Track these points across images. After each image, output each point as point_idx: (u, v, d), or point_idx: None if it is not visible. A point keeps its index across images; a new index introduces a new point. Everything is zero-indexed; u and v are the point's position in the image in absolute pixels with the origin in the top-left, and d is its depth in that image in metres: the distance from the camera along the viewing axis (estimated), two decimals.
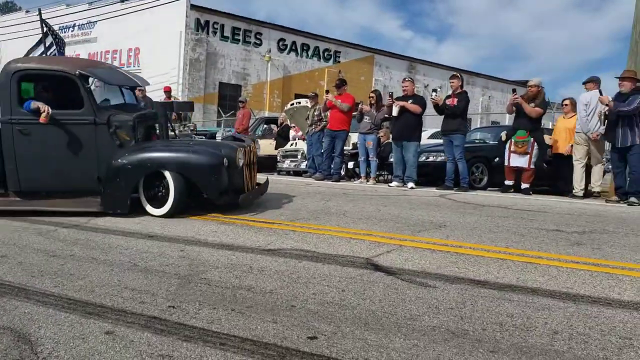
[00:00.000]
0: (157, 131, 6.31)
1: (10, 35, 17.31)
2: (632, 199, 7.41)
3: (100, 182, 5.57)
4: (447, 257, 4.08)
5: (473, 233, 5.00)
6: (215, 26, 22.10)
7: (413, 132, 9.28)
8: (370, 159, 10.24)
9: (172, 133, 6.73)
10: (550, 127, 13.25)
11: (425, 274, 3.59)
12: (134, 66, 22.63)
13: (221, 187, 5.54)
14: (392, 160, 9.95)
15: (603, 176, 9.22)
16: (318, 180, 10.74)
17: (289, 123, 13.98)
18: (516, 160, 8.67)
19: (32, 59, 7.45)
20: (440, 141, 9.84)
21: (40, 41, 9.11)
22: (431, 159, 10.09)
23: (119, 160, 5.46)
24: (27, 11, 24.55)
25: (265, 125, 16.07)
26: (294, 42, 24.00)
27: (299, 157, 12.92)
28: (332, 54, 25.12)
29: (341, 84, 10.70)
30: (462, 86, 9.21)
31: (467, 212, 6.36)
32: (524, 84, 9.92)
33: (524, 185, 8.71)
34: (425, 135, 12.19)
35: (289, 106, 13.92)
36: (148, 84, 7.21)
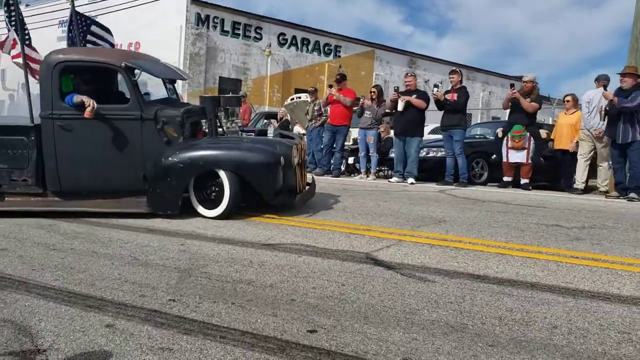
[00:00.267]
0: (203, 127, 5.95)
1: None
2: (632, 195, 7.42)
3: (146, 182, 5.22)
4: (446, 252, 4.09)
5: (472, 228, 5.01)
6: (216, 21, 22.06)
7: (417, 127, 9.29)
8: (370, 154, 10.23)
9: (220, 130, 6.32)
10: (550, 122, 13.25)
11: (424, 268, 3.60)
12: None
13: (277, 187, 5.22)
14: (392, 155, 9.94)
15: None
16: (318, 175, 10.74)
17: (288, 118, 13.97)
18: (514, 156, 8.69)
19: (74, 49, 6.95)
20: (440, 136, 9.84)
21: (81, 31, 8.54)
22: (431, 154, 10.09)
23: (170, 159, 5.10)
24: (27, 5, 24.49)
25: (265, 120, 16.06)
26: (294, 37, 23.96)
27: None
28: (332, 48, 25.09)
29: (342, 78, 10.68)
30: (461, 81, 9.22)
31: (466, 207, 6.37)
32: (535, 77, 9.91)
33: (523, 181, 8.72)
34: (425, 130, 12.18)
35: (289, 101, 13.91)
36: (190, 77, 7.01)
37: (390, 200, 6.76)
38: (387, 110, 10.03)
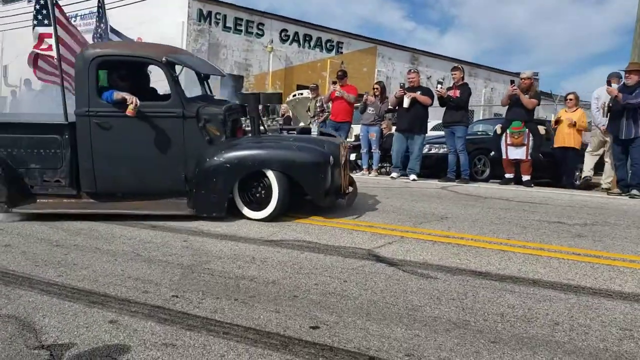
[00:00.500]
0: (243, 126, 5.70)
1: (12, 25, 17.27)
2: (634, 192, 7.41)
3: (187, 183, 5.01)
4: (448, 248, 4.09)
5: (475, 225, 5.01)
6: (218, 17, 22.03)
7: (422, 124, 9.28)
8: (372, 150, 10.22)
9: (261, 128, 5.97)
10: (551, 119, 13.21)
11: (426, 265, 3.60)
12: None
13: (326, 187, 5.01)
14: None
15: None
16: None
17: (290, 114, 13.96)
18: (513, 153, 8.68)
19: (110, 44, 6.62)
20: (442, 133, 9.83)
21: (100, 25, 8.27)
22: (433, 150, 10.08)
23: (216, 159, 4.85)
24: (29, 1, 24.50)
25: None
26: (296, 33, 23.91)
27: None
28: (334, 44, 25.04)
29: (343, 75, 10.66)
30: (463, 78, 9.20)
31: (468, 204, 6.37)
32: (532, 74, 9.90)
33: (524, 177, 8.71)
34: (427, 127, 12.15)
35: (290, 97, 13.89)
36: (225, 74, 6.66)
37: (392, 197, 6.76)
38: (390, 107, 10.01)
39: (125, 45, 6.14)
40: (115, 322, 2.51)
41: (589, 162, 9.10)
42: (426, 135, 9.57)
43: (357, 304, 2.82)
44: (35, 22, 6.43)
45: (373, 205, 6.04)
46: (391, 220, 5.11)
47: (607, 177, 8.58)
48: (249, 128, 5.57)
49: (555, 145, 9.32)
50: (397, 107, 9.54)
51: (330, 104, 10.73)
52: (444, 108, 9.19)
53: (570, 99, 9.21)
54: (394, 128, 10.36)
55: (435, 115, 11.65)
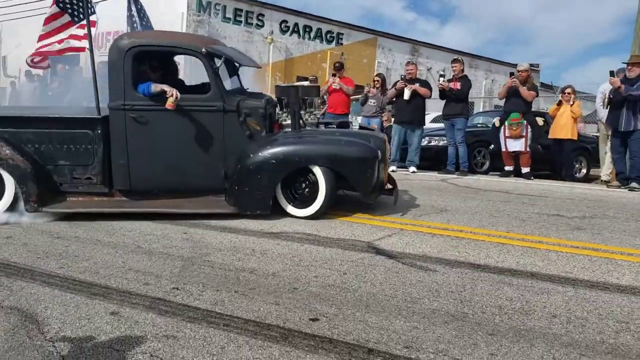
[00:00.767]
0: (280, 120, 5.49)
1: (13, 16, 17.20)
2: (633, 184, 7.42)
3: (227, 179, 4.83)
4: (447, 241, 4.12)
5: (474, 217, 5.03)
6: (217, 7, 21.93)
7: (422, 116, 9.30)
8: None
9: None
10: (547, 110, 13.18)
11: (425, 257, 3.63)
12: None
13: (374, 182, 4.87)
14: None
15: None
16: None
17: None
18: (512, 145, 8.69)
19: (144, 33, 6.28)
20: (442, 125, 9.82)
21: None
22: (433, 143, 10.08)
23: (261, 154, 4.68)
24: None
25: None
26: (296, 24, 23.81)
27: None
28: (334, 36, 24.94)
29: (340, 67, 10.65)
30: (463, 70, 9.19)
31: (468, 196, 6.39)
32: (529, 67, 9.88)
33: (524, 170, 8.72)
34: (426, 119, 12.13)
35: None
36: (261, 67, 6.35)
37: None
38: (388, 99, 10.00)
39: (161, 35, 5.78)
40: (116, 313, 2.54)
41: (604, 158, 8.86)
42: (424, 127, 9.57)
43: (356, 296, 2.85)
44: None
45: None
46: (390, 213, 5.13)
47: (607, 169, 8.59)
48: (286, 122, 5.38)
49: (551, 137, 9.31)
50: (394, 99, 9.53)
51: (326, 97, 10.70)
52: (444, 100, 9.18)
53: (569, 93, 9.21)
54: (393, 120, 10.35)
55: (435, 108, 11.63)
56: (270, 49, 23.23)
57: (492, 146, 9.59)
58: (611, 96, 7.70)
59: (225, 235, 4.15)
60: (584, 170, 10.25)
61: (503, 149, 8.84)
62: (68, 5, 6.64)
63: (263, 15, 23.19)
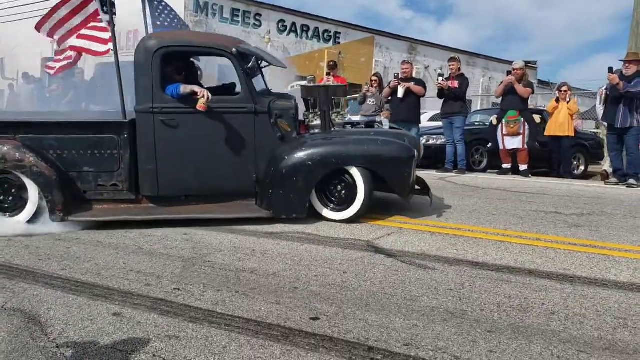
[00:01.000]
0: (306, 121, 5.25)
1: (9, 18, 17.19)
2: (631, 181, 7.46)
3: (258, 183, 4.70)
4: (446, 239, 4.14)
5: (472, 215, 5.06)
6: (215, 7, 21.93)
7: (417, 114, 9.33)
8: None
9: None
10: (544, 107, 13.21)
11: (424, 256, 3.65)
12: (133, 48, 22.33)
13: (411, 183, 4.81)
14: None
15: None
16: None
17: None
18: (510, 142, 8.73)
19: (173, 33, 6.05)
20: (439, 124, 9.85)
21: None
22: (431, 141, 10.11)
23: (296, 156, 4.55)
24: None
25: None
26: (293, 24, 23.82)
27: None
28: (332, 35, 24.95)
29: (334, 65, 10.69)
30: (459, 68, 9.23)
31: (466, 194, 6.42)
32: (525, 65, 9.91)
33: (522, 167, 8.76)
34: (424, 117, 12.16)
35: (288, 89, 13.89)
36: (287, 67, 6.22)
37: None
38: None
39: (188, 35, 5.63)
40: (119, 314, 2.56)
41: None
42: (421, 125, 9.61)
43: (356, 295, 2.87)
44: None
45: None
46: (389, 212, 5.15)
47: (608, 162, 8.62)
48: (313, 123, 5.21)
49: (548, 134, 9.33)
50: (390, 98, 9.56)
51: None
52: (442, 99, 9.22)
53: (565, 91, 9.24)
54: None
55: (433, 106, 11.65)
56: (268, 48, 23.22)
57: (490, 144, 9.63)
58: (608, 92, 7.73)
59: (226, 235, 4.17)
60: (582, 167, 10.28)
61: (501, 147, 8.88)
62: None
63: (260, 15, 23.20)
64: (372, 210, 5.18)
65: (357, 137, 5.05)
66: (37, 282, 3.03)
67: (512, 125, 8.59)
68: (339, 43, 25.24)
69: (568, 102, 9.10)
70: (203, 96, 4.39)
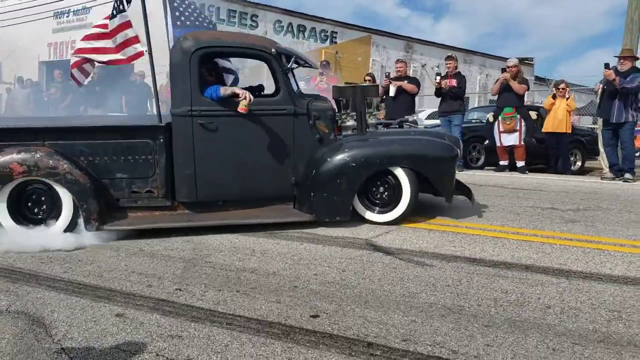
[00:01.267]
0: (340, 122, 5.11)
1: (13, 21, 17.20)
2: (627, 176, 7.52)
3: (296, 186, 4.60)
4: (444, 236, 4.19)
5: (469, 212, 5.10)
6: (211, 9, 21.95)
7: (412, 112, 9.36)
8: None
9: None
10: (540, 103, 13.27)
11: (422, 253, 3.70)
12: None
13: (454, 183, 4.75)
14: None
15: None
16: None
17: None
18: (507, 139, 8.78)
19: (207, 33, 5.79)
20: (438, 122, 9.89)
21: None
22: None
23: (338, 158, 4.45)
24: None
25: None
26: (290, 24, 23.85)
27: None
28: (328, 34, 24.98)
29: (327, 64, 10.73)
30: (456, 66, 9.28)
31: None
32: (521, 61, 9.99)
33: (519, 164, 8.81)
34: (422, 115, 12.19)
35: None
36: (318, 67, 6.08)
37: None
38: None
39: (226, 35, 5.47)
40: (121, 315, 2.60)
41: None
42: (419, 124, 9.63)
43: (355, 292, 2.91)
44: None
45: None
46: None
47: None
48: (345, 124, 5.12)
49: (546, 130, 9.38)
50: (384, 97, 9.60)
51: None
52: (439, 97, 9.26)
53: (563, 88, 9.30)
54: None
55: (430, 104, 11.70)
56: None
57: (487, 141, 9.68)
58: (604, 87, 7.78)
59: (226, 236, 4.21)
60: (579, 163, 10.33)
61: (498, 144, 8.92)
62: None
63: (257, 16, 23.21)
64: None
65: (400, 137, 4.94)
66: (40, 284, 3.07)
67: (508, 122, 8.64)
68: (335, 43, 25.27)
69: (567, 99, 9.16)
70: (245, 98, 4.26)
